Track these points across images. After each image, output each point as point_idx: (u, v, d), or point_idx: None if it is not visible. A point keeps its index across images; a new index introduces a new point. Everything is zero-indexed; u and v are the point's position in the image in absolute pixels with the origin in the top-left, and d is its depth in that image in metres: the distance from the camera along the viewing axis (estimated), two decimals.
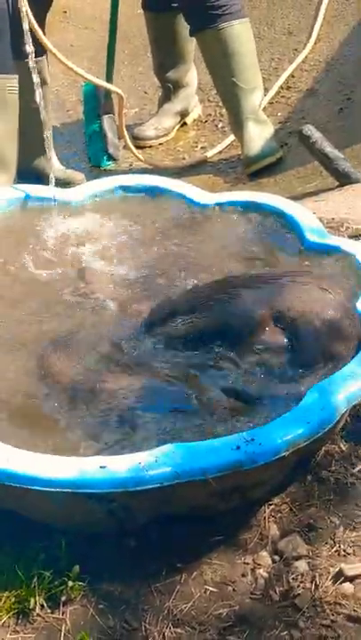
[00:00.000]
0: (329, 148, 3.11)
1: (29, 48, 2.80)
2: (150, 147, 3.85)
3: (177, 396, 2.05)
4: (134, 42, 4.37)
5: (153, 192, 2.74)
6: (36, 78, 2.82)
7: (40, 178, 3.25)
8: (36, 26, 2.98)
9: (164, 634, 1.77)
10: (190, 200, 2.69)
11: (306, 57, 4.10)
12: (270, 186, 3.36)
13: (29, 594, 1.82)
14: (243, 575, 1.87)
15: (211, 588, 1.85)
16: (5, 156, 3.26)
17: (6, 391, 2.10)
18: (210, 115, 3.95)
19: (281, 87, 3.98)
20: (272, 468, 1.88)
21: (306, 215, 2.56)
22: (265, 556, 1.90)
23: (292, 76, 4.04)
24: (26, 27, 2.81)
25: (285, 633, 1.77)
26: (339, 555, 1.89)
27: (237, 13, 3.42)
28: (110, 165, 3.77)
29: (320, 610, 1.80)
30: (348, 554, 1.89)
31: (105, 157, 3.77)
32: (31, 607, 1.82)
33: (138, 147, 3.71)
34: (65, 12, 4.72)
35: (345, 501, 1.98)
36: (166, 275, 2.46)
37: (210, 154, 3.72)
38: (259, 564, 1.88)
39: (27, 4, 2.83)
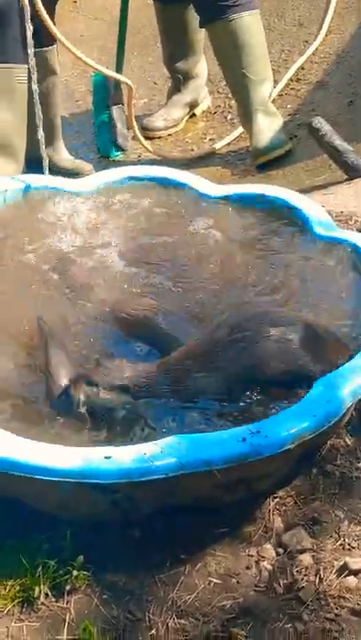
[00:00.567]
0: (338, 141, 3.10)
1: (30, 35, 2.78)
2: (159, 138, 3.84)
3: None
4: (144, 32, 4.36)
5: (161, 183, 2.73)
6: (44, 68, 2.82)
7: (48, 168, 3.24)
8: (45, 15, 2.98)
9: (167, 624, 1.78)
10: (199, 192, 2.68)
11: (316, 49, 4.08)
12: (279, 178, 3.35)
13: (34, 582, 1.83)
14: (247, 567, 1.87)
15: (215, 580, 1.85)
16: (14, 146, 3.26)
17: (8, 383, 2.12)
18: (219, 106, 3.94)
19: (291, 79, 3.96)
20: (277, 460, 1.88)
21: (314, 208, 2.55)
22: (269, 549, 1.90)
23: (302, 68, 4.02)
24: (27, 17, 2.81)
25: (289, 625, 1.77)
26: (343, 548, 1.89)
27: (247, 5, 3.41)
28: (119, 156, 3.76)
29: (324, 603, 1.80)
30: (353, 547, 1.89)
31: (114, 148, 3.77)
32: (35, 596, 1.82)
33: (147, 137, 3.71)
34: (75, 1, 4.71)
35: (350, 495, 1.98)
36: (173, 266, 2.46)
37: (218, 145, 3.71)
38: (263, 557, 1.88)
39: None
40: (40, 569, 1.84)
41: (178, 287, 2.39)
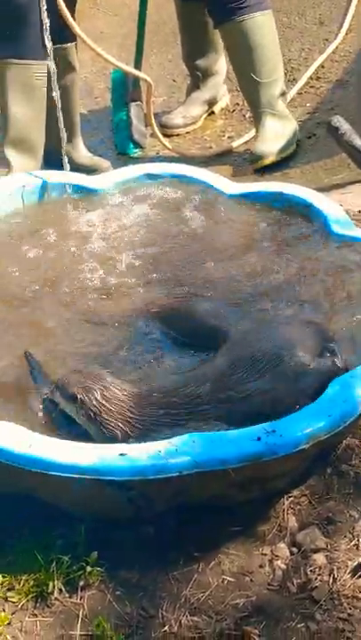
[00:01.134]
0: (357, 140, 3.08)
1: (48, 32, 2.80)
2: (178, 135, 3.84)
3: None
4: (164, 30, 4.35)
5: (180, 180, 2.73)
6: (64, 65, 2.82)
7: (67, 164, 3.25)
8: (66, 12, 2.98)
9: (180, 622, 1.78)
10: (217, 189, 2.68)
11: (336, 47, 4.07)
12: (297, 177, 3.34)
13: (48, 578, 1.84)
14: (260, 566, 1.87)
15: (228, 578, 1.85)
16: (32, 142, 3.27)
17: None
18: (238, 104, 3.93)
19: (310, 77, 3.95)
20: (292, 460, 1.87)
21: (332, 207, 2.55)
22: (283, 548, 1.90)
23: (322, 67, 4.01)
24: (44, 16, 2.81)
25: (302, 625, 1.77)
26: (357, 548, 1.88)
27: (260, 5, 3.39)
28: (137, 153, 3.76)
29: (337, 603, 1.80)
30: None
31: (132, 145, 3.77)
32: (49, 591, 1.83)
33: (165, 135, 3.70)
34: None
35: None
36: (190, 264, 2.46)
37: (236, 144, 3.70)
38: (277, 556, 1.88)
39: None
40: (54, 564, 1.84)
41: (193, 284, 2.39)
